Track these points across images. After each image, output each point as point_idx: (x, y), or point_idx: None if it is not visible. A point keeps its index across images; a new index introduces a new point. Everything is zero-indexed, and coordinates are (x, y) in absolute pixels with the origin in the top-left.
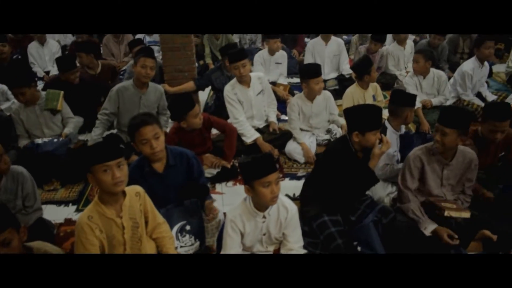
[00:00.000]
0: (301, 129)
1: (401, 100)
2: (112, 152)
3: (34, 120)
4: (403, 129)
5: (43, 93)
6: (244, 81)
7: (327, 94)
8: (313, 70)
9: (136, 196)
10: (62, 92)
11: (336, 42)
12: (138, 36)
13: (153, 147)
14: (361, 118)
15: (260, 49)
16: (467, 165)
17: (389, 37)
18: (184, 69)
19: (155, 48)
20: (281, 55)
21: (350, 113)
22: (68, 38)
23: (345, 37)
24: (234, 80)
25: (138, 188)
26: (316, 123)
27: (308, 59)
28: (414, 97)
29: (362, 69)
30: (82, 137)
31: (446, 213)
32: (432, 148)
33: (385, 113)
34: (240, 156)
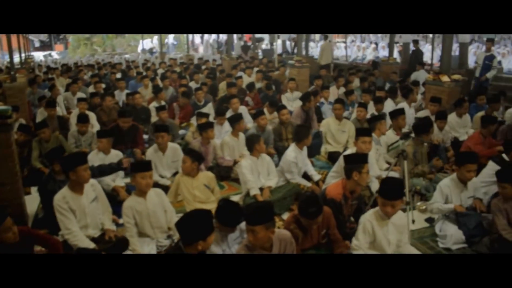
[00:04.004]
0: (141, 233)
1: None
2: None
3: None
4: None
5: None
6: (78, 187)
7: (158, 190)
8: (142, 166)
9: None
10: None
11: (172, 149)
12: None
13: None
14: (197, 226)
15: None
16: (285, 246)
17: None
18: (5, 182)
19: None
20: (116, 155)
21: (182, 226)
22: None
23: (182, 131)
24: (65, 188)
25: None
26: (156, 222)
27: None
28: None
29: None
30: None
31: None
32: (250, 246)
33: None
34: None
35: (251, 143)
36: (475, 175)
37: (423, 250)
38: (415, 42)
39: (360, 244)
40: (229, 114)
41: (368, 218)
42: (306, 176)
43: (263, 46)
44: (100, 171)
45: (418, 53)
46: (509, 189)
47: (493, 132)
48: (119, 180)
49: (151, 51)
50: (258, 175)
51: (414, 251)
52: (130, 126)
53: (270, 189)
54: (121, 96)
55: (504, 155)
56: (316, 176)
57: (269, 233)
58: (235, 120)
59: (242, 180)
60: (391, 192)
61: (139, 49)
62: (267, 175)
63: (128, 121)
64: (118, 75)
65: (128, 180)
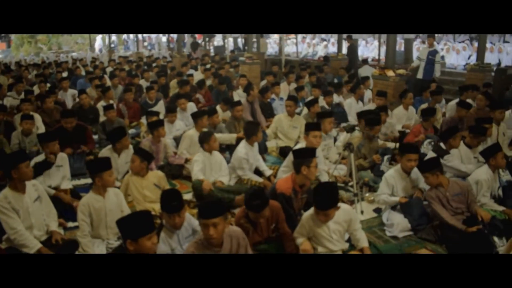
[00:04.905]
0: (93, 234)
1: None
2: None
3: None
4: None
5: None
6: (20, 187)
7: (116, 190)
8: (103, 164)
9: None
10: None
11: (126, 150)
12: None
13: None
14: (133, 225)
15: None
16: (238, 242)
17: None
18: None
19: None
20: (61, 158)
21: (122, 224)
22: None
23: (132, 131)
24: (6, 188)
25: None
26: (111, 222)
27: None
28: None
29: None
30: None
31: None
32: (202, 242)
33: None
34: None
35: (204, 139)
36: (415, 164)
37: (372, 239)
38: (349, 37)
39: (298, 236)
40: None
41: (308, 217)
42: (257, 171)
43: (215, 43)
44: None
45: (353, 48)
46: (430, 178)
47: (433, 123)
48: (66, 182)
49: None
50: (210, 171)
51: (365, 237)
52: (76, 126)
53: (222, 184)
54: (65, 96)
55: (442, 144)
56: (268, 172)
57: (226, 225)
58: (199, 115)
59: (192, 169)
60: (323, 202)
61: (97, 44)
62: (219, 170)
63: (71, 121)
64: (65, 74)
65: (77, 182)
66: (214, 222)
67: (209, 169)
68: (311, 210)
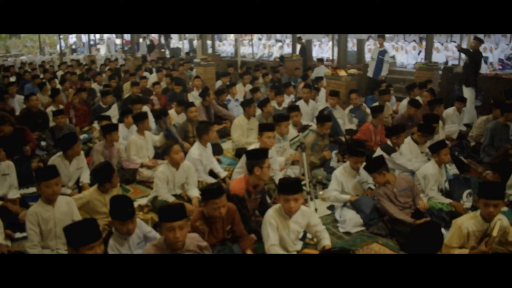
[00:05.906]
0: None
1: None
2: None
3: None
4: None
5: None
6: None
7: (68, 199)
8: (47, 173)
9: None
10: None
11: (77, 160)
12: None
13: None
14: (75, 234)
15: None
16: (197, 248)
17: None
18: None
19: None
20: (7, 166)
21: (68, 231)
22: None
23: (84, 135)
24: None
25: None
26: (61, 232)
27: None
28: None
29: (103, 177)
30: None
31: None
32: (162, 246)
33: None
34: None
35: (164, 152)
36: (361, 165)
37: None
38: (299, 39)
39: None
40: None
41: (271, 215)
42: (212, 173)
43: (171, 45)
44: None
45: (305, 49)
46: (378, 177)
47: (382, 121)
48: (13, 191)
49: (70, 47)
50: (174, 186)
51: (328, 236)
52: (14, 131)
53: (198, 199)
54: (12, 102)
55: (389, 142)
56: (222, 173)
57: (187, 227)
58: (140, 118)
59: (155, 184)
60: (290, 186)
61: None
62: (186, 185)
63: (2, 129)
64: (12, 79)
65: (25, 190)
66: (179, 225)
67: (172, 184)
68: (273, 209)
